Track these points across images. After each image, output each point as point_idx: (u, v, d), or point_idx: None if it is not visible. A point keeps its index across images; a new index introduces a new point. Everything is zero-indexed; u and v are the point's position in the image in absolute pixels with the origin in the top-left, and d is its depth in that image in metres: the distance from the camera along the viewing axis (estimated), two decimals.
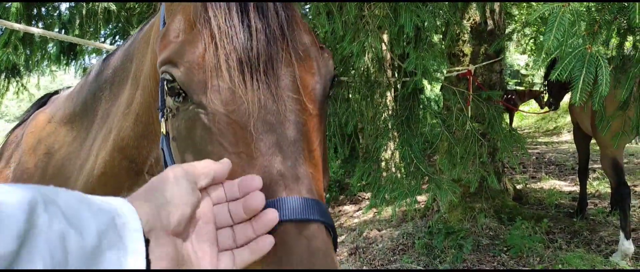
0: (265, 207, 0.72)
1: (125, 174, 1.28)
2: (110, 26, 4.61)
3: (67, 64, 6.55)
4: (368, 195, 9.76)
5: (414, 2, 2.65)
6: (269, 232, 0.72)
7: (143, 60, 1.19)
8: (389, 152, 3.61)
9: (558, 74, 1.36)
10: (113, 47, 3.59)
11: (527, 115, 18.49)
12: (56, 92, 1.75)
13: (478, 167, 3.61)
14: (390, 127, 3.53)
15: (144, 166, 1.25)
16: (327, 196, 10.72)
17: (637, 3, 1.26)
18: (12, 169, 1.57)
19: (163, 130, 0.96)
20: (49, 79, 7.09)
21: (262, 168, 0.76)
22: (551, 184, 7.49)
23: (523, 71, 23.26)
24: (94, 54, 6.22)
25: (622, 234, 4.31)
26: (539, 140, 13.89)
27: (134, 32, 1.41)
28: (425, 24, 2.68)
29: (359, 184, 3.84)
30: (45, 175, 1.46)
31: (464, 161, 3.43)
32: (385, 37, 3.16)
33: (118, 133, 1.26)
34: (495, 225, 5.69)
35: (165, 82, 0.84)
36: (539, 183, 7.69)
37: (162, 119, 0.96)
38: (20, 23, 3.18)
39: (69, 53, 6.21)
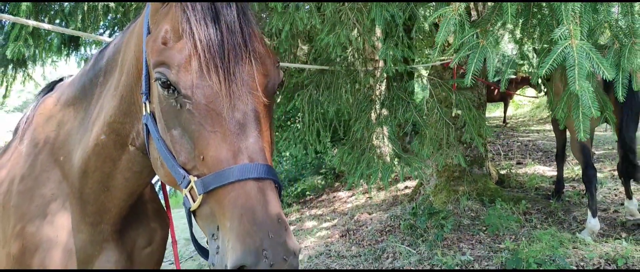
0: (232, 171, 1.08)
1: (112, 145, 1.59)
2: (108, 18, 4.89)
3: (68, 55, 6.86)
4: (361, 181, 10.08)
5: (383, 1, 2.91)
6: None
7: (127, 52, 1.50)
8: (367, 134, 3.88)
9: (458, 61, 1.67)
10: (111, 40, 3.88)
11: (522, 104, 18.73)
12: (61, 80, 2.05)
13: (445, 148, 3.90)
14: (368, 111, 3.81)
15: (128, 139, 1.57)
16: (323, 182, 11.03)
17: (509, 6, 1.53)
18: (25, 145, 1.88)
19: (147, 110, 1.31)
20: (51, 69, 7.39)
21: (232, 143, 1.12)
22: (535, 169, 7.78)
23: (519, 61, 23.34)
24: (94, 45, 6.51)
25: (589, 213, 4.61)
26: (532, 128, 14.14)
27: (124, 28, 1.71)
28: (394, 17, 2.96)
29: (340, 164, 4.15)
30: (53, 147, 1.77)
31: (432, 142, 3.72)
32: (363, 29, 3.41)
33: (107, 111, 1.57)
34: (476, 207, 5.99)
35: (158, 80, 1.17)
36: (523, 168, 7.98)
37: (147, 102, 1.31)
38: (29, 19, 3.45)
39: (69, 44, 6.49)
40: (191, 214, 1.21)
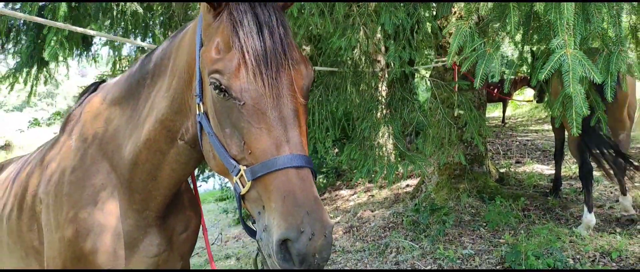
0: (277, 161, 1.28)
1: (163, 140, 1.79)
2: (130, 22, 5.08)
3: (80, 55, 7.07)
4: (363, 180, 10.28)
5: (393, 1, 3.12)
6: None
7: (178, 59, 1.71)
8: (374, 133, 4.09)
9: (466, 67, 1.88)
10: (143, 44, 4.10)
11: (521, 104, 18.94)
12: (103, 81, 2.24)
13: (446, 146, 4.10)
14: (374, 111, 4.02)
15: (177, 134, 1.77)
16: (325, 181, 11.19)
17: (512, 17, 1.74)
18: (73, 140, 2.07)
19: (201, 110, 1.53)
20: (63, 69, 7.57)
21: (275, 137, 1.33)
22: (534, 167, 7.98)
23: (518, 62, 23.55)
24: (107, 46, 6.71)
25: (585, 208, 4.81)
26: (530, 128, 14.34)
27: (171, 35, 1.90)
28: (402, 22, 3.16)
29: (347, 161, 4.36)
30: (102, 142, 1.96)
31: (434, 141, 3.92)
32: (370, 33, 3.61)
33: (159, 110, 1.77)
34: (477, 204, 6.19)
35: (212, 85, 1.39)
36: (522, 167, 8.18)
37: (200, 103, 1.53)
38: (66, 23, 3.66)
39: (80, 44, 6.69)
40: (241, 198, 1.41)
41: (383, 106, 3.85)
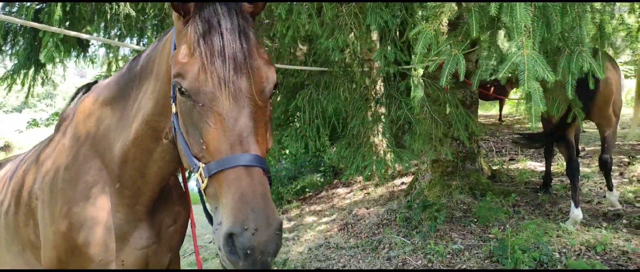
0: (229, 159, 1.38)
1: (149, 139, 1.90)
2: (124, 24, 5.19)
3: (77, 56, 7.19)
4: (359, 178, 10.39)
5: (377, 1, 3.21)
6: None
7: (160, 63, 1.82)
8: (363, 131, 4.19)
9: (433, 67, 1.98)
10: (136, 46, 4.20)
11: (520, 103, 18.99)
12: (95, 82, 2.34)
13: (434, 143, 4.21)
14: (363, 110, 4.12)
15: (162, 133, 1.88)
16: (322, 179, 11.29)
17: (473, 21, 1.84)
18: (67, 139, 2.18)
19: (173, 110, 1.64)
20: (60, 70, 7.69)
21: (229, 137, 1.42)
22: (527, 165, 8.08)
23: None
24: (103, 47, 6.82)
25: (572, 203, 4.92)
26: (527, 126, 14.43)
27: (154, 40, 2.01)
28: (387, 23, 3.26)
29: (338, 158, 4.45)
30: (94, 141, 2.06)
31: (422, 138, 4.02)
32: (358, 33, 3.71)
33: (145, 111, 1.88)
34: (468, 200, 6.29)
35: (176, 87, 1.49)
36: (516, 164, 8.28)
37: (174, 104, 1.64)
38: (61, 27, 3.77)
39: (78, 46, 6.80)
40: (202, 193, 1.51)
41: (372, 104, 3.95)
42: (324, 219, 8.15)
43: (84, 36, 2.74)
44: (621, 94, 5.16)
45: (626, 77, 12.56)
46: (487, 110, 18.05)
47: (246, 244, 1.29)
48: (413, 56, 1.97)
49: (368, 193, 9.06)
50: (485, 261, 4.66)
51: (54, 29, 2.38)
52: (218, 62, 1.42)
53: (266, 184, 1.41)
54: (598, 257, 4.29)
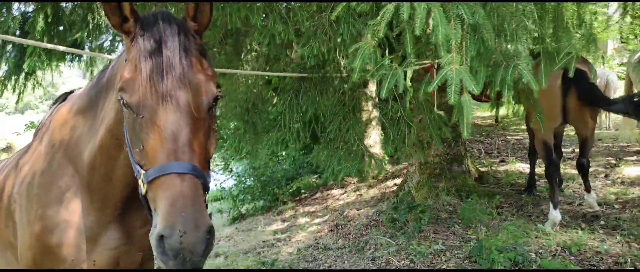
0: (164, 167, 1.50)
1: (113, 147, 2.03)
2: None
3: (72, 61, 7.36)
4: (354, 180, 10.51)
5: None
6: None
7: (118, 75, 1.96)
8: (340, 135, 4.32)
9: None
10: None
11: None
12: (72, 92, 2.49)
13: (407, 146, 4.33)
14: (340, 114, 4.26)
15: (123, 142, 2.01)
16: (318, 181, 11.38)
17: (407, 38, 1.97)
18: (43, 146, 2.32)
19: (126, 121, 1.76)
20: (55, 76, 7.87)
21: (165, 146, 1.55)
22: (516, 166, 8.18)
23: None
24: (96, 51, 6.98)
25: (551, 205, 5.03)
26: (522, 127, 14.47)
27: (121, 51, 2.14)
28: (361, 33, 3.39)
29: (317, 161, 4.57)
30: (67, 148, 2.20)
31: (395, 141, 4.15)
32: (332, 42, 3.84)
33: (108, 120, 2.02)
34: (454, 201, 6.41)
35: (120, 101, 1.63)
36: (505, 166, 8.39)
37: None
38: (44, 38, 3.91)
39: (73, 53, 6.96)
40: (145, 198, 1.64)
41: (348, 109, 4.07)
42: (317, 220, 8.28)
43: (60, 48, 2.88)
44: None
45: (620, 78, 12.64)
46: (484, 112, 18.14)
47: (174, 245, 1.41)
48: (352, 72, 2.10)
49: (360, 194, 9.18)
50: (465, 261, 4.78)
51: (29, 42, 2.51)
52: (157, 77, 1.55)
53: (198, 190, 1.52)
54: (572, 257, 4.40)
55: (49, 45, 2.53)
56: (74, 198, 2.13)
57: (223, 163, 11.83)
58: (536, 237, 4.87)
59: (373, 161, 4.08)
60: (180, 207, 1.45)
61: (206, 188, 1.59)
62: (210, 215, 1.79)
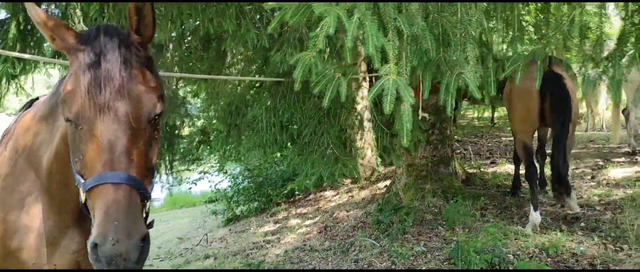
0: (100, 177, 1.56)
1: (67, 154, 2.09)
2: None
3: (54, 65, 7.43)
4: (347, 181, 10.57)
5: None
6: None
7: None
8: (314, 139, 4.37)
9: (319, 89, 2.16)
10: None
11: None
12: (37, 99, 2.55)
13: (395, 148, 4.38)
14: (313, 118, 4.31)
15: None
16: (310, 182, 11.41)
17: (346, 50, 2.02)
18: (7, 151, 2.38)
19: None
20: (45, 78, 7.95)
21: (101, 157, 1.59)
22: (505, 168, 8.22)
23: None
24: None
25: (531, 207, 5.07)
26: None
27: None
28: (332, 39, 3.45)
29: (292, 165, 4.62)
30: (30, 153, 2.27)
31: (406, 135, 4.17)
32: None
33: (62, 128, 2.08)
34: (440, 203, 6.45)
35: (61, 113, 1.68)
36: (494, 167, 8.42)
37: None
38: (16, 45, 3.97)
39: (59, 56, 7.04)
40: (86, 206, 1.70)
41: (322, 114, 4.13)
42: (307, 222, 8.33)
43: (26, 56, 2.94)
44: (576, 102, 5.29)
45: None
46: (481, 113, 18.19)
47: (107, 253, 1.47)
48: (294, 82, 2.15)
49: (352, 196, 9.23)
50: (444, 263, 4.82)
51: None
52: (96, 89, 1.61)
53: (133, 199, 1.58)
54: (549, 259, 4.44)
55: (14, 54, 2.59)
56: (34, 203, 2.19)
57: (218, 164, 11.89)
58: (515, 239, 4.91)
59: (349, 165, 4.12)
60: (113, 216, 1.51)
61: (145, 197, 1.64)
62: (150, 223, 1.85)
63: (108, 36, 1.70)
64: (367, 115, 8.01)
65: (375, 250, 5.58)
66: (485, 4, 2.38)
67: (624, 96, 7.85)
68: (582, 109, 12.33)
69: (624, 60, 7.73)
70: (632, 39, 2.55)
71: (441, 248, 5.18)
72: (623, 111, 8.40)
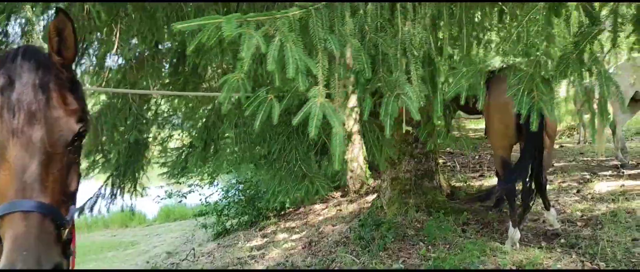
0: (11, 205, 1.51)
1: None
2: None
3: None
4: (336, 194, 10.51)
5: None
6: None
7: None
8: (282, 155, 4.35)
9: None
10: None
11: None
12: None
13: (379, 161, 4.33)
14: (282, 134, 4.28)
15: None
16: (301, 194, 11.31)
17: (275, 74, 2.00)
18: None
19: None
20: None
21: (14, 183, 1.54)
22: (492, 182, 8.15)
23: None
24: None
25: (510, 223, 5.01)
26: None
27: None
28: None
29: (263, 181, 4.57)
30: None
31: (338, 159, 4.15)
32: None
33: None
34: (423, 218, 6.40)
35: None
36: (481, 181, 8.37)
37: None
38: None
39: None
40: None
41: (290, 129, 4.10)
42: (294, 237, 8.27)
43: None
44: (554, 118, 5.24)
45: None
46: (475, 124, 18.13)
47: None
48: (221, 103, 2.13)
49: (340, 209, 9.17)
50: None
51: None
52: (9, 114, 1.58)
53: (45, 227, 1.52)
54: None
55: None
56: None
57: (208, 177, 11.83)
58: (493, 256, 4.85)
59: (316, 183, 4.09)
60: (22, 246, 1.47)
61: (62, 224, 1.60)
62: (67, 249, 1.79)
63: (26, 58, 1.67)
64: (356, 127, 8.00)
65: (354, 267, 5.52)
66: (429, 21, 2.36)
67: (609, 109, 7.80)
68: (575, 121, 12.31)
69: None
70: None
71: (419, 265, 5.12)
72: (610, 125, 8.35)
